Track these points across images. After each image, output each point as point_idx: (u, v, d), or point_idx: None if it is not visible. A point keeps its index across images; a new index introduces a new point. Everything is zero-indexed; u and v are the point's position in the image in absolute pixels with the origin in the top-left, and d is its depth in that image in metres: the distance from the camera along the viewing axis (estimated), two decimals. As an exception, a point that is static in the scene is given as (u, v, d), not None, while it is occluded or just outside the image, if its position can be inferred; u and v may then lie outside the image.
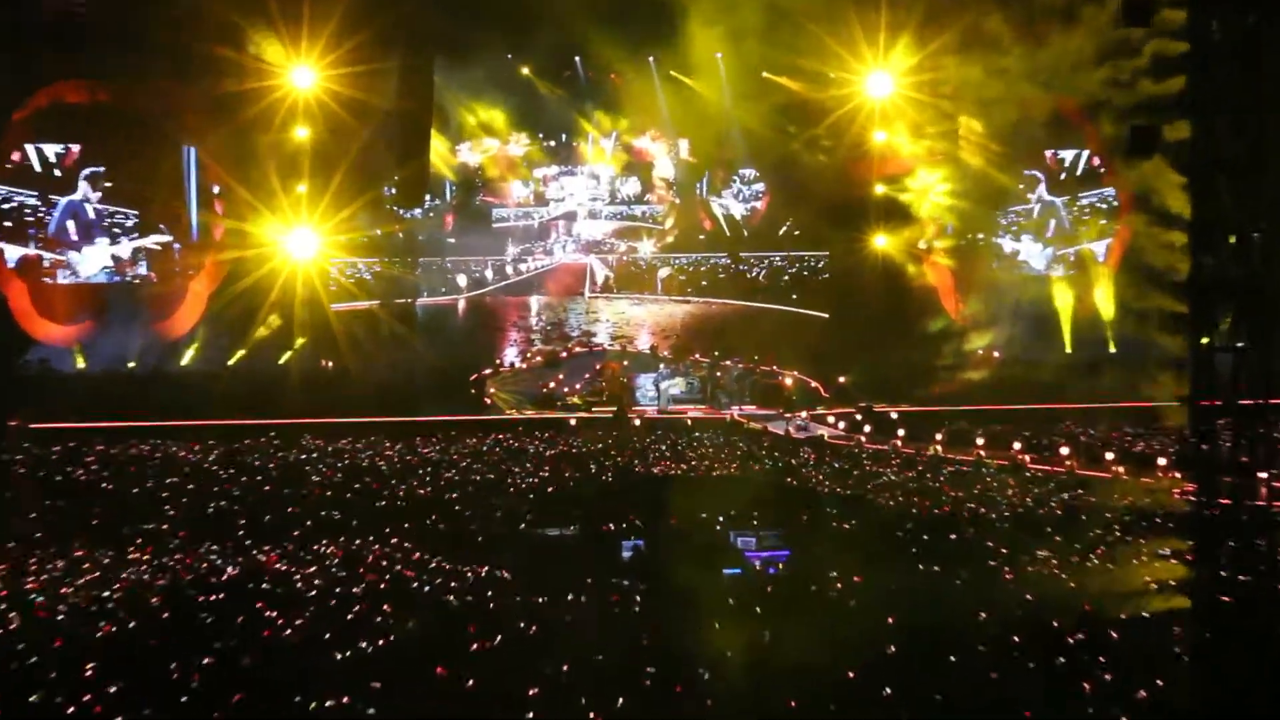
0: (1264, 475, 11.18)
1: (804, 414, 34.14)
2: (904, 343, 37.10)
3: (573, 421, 32.98)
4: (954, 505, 22.09)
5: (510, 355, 41.14)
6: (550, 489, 23.87)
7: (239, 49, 34.42)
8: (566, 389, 37.20)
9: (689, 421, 33.11)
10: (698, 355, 39.54)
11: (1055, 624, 14.47)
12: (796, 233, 44.42)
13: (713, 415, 34.67)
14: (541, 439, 30.28)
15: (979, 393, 34.41)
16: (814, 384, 37.71)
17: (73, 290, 35.99)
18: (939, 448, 28.70)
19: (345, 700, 12.15)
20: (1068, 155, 39.21)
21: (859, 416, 32.98)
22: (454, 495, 23.22)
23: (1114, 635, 14.08)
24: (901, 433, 30.15)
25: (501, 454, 27.97)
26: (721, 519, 20.72)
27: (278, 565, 17.23)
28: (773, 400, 36.05)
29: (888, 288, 38.81)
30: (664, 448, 28.81)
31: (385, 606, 15.51)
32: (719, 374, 37.54)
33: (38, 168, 35.36)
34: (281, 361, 36.32)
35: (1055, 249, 39.82)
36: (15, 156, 35.30)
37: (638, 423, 32.97)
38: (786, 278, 44.59)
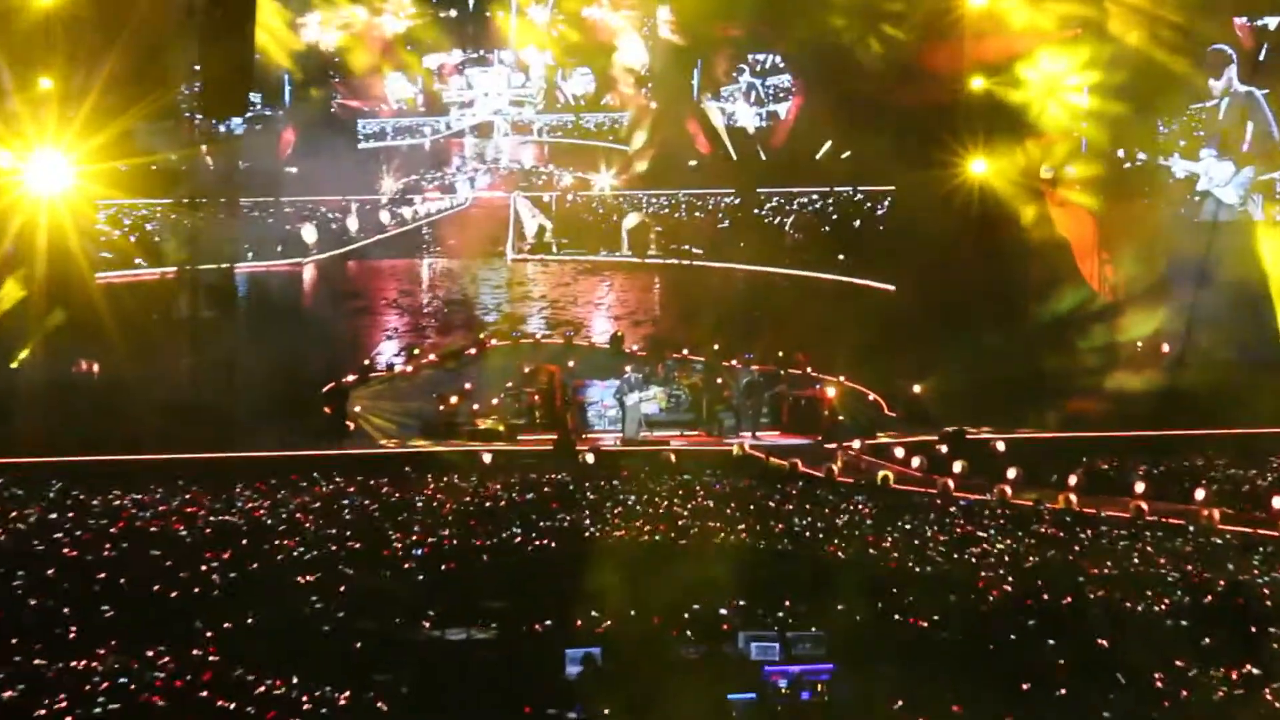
0: None
1: (856, 444, 34.46)
2: (1014, 331, 37.73)
3: (487, 458, 33.04)
4: (1098, 591, 21.89)
5: (387, 353, 41.51)
6: (451, 565, 23.62)
7: None
8: (477, 406, 37.49)
9: (671, 457, 33.12)
10: (686, 352, 39.99)
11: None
12: (844, 155, 44.63)
13: (710, 446, 35.11)
14: (438, 486, 30.34)
15: (1136, 411, 35.13)
16: (872, 397, 38.35)
17: None
18: (1072, 498, 28.67)
19: None
20: (1271, 22, 40.01)
21: (944, 447, 33.59)
22: (297, 578, 22.87)
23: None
24: (1012, 474, 30.52)
25: (374, 510, 27.86)
26: (726, 613, 20.40)
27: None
28: (806, 423, 36.64)
29: (989, 242, 39.22)
30: (633, 499, 28.70)
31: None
32: (719, 381, 37.77)
33: None
34: (14, 365, 36.74)
35: (1255, 170, 40.31)
36: None
37: (591, 459, 33.00)
38: (827, 228, 45.42)
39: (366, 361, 40.49)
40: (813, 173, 45.07)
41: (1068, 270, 39.51)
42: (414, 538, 25.30)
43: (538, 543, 25.00)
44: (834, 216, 45.45)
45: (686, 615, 20.00)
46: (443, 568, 23.32)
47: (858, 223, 44.91)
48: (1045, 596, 21.39)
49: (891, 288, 42.77)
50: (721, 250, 45.12)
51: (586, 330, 43.21)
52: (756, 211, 45.88)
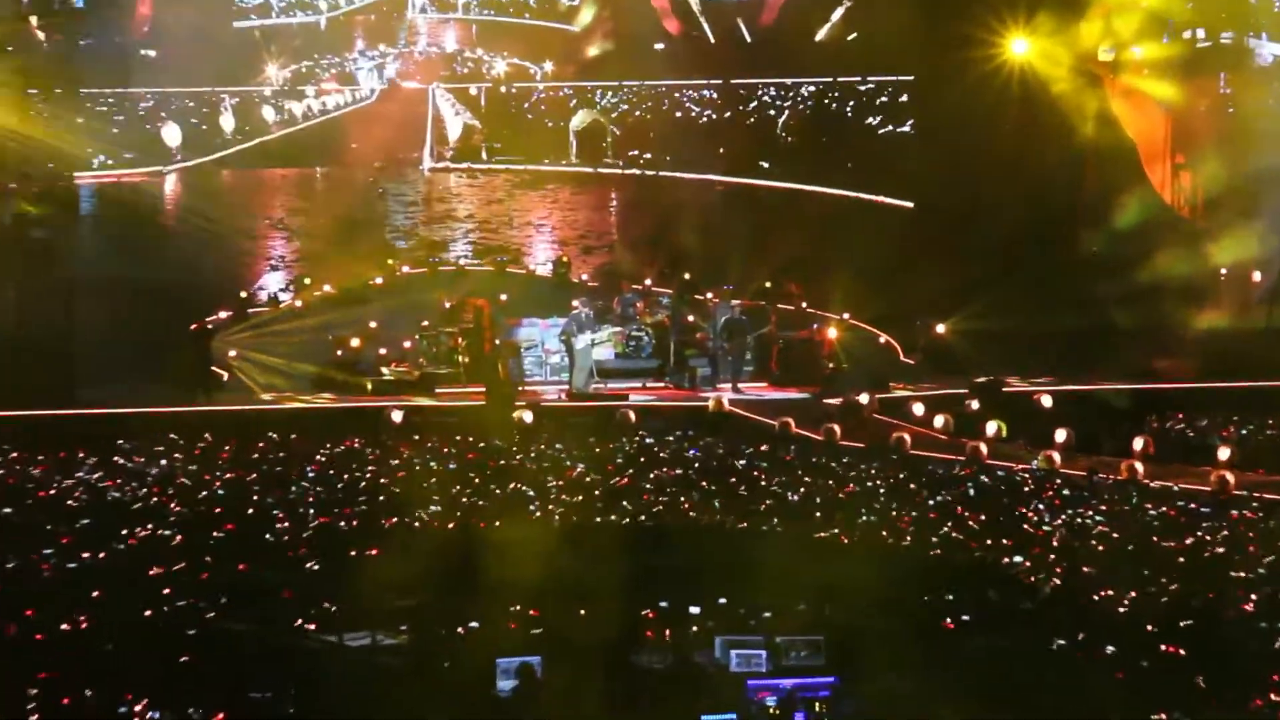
0: None
1: (864, 398, 34.10)
2: (1062, 256, 38.79)
3: (398, 416, 32.80)
4: (1174, 583, 21.51)
5: (270, 285, 42.01)
6: (351, 552, 23.29)
7: None
8: (384, 351, 38.00)
9: (630, 415, 32.86)
10: (649, 283, 40.72)
11: None
12: (850, 37, 45.25)
13: (679, 401, 35.45)
14: (336, 452, 30.01)
15: (1219, 358, 35.47)
16: (884, 339, 39.06)
17: None
18: (1137, 466, 28.42)
19: None
20: None
21: (973, 403, 33.67)
22: (153, 569, 22.24)
23: None
24: (1061, 437, 30.44)
25: (252, 483, 27.41)
26: (700, 613, 20.03)
27: None
28: (801, 372, 37.08)
29: (1031, 145, 39.49)
30: (582, 468, 28.20)
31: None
32: (691, 320, 38.33)
33: None
34: None
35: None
36: None
37: (528, 417, 32.60)
38: (829, 129, 46.24)
39: (244, 295, 40.46)
40: (811, 59, 45.29)
41: (1132, 179, 39.92)
42: (302, 517, 24.90)
43: (462, 524, 24.65)
44: (838, 115, 45.62)
45: (649, 614, 19.73)
46: (340, 555, 23.03)
47: (868, 121, 45.05)
48: (1113, 592, 21.21)
49: (909, 204, 43.11)
50: (695, 158, 45.27)
51: (524, 257, 43.26)
52: (740, 108, 45.97)
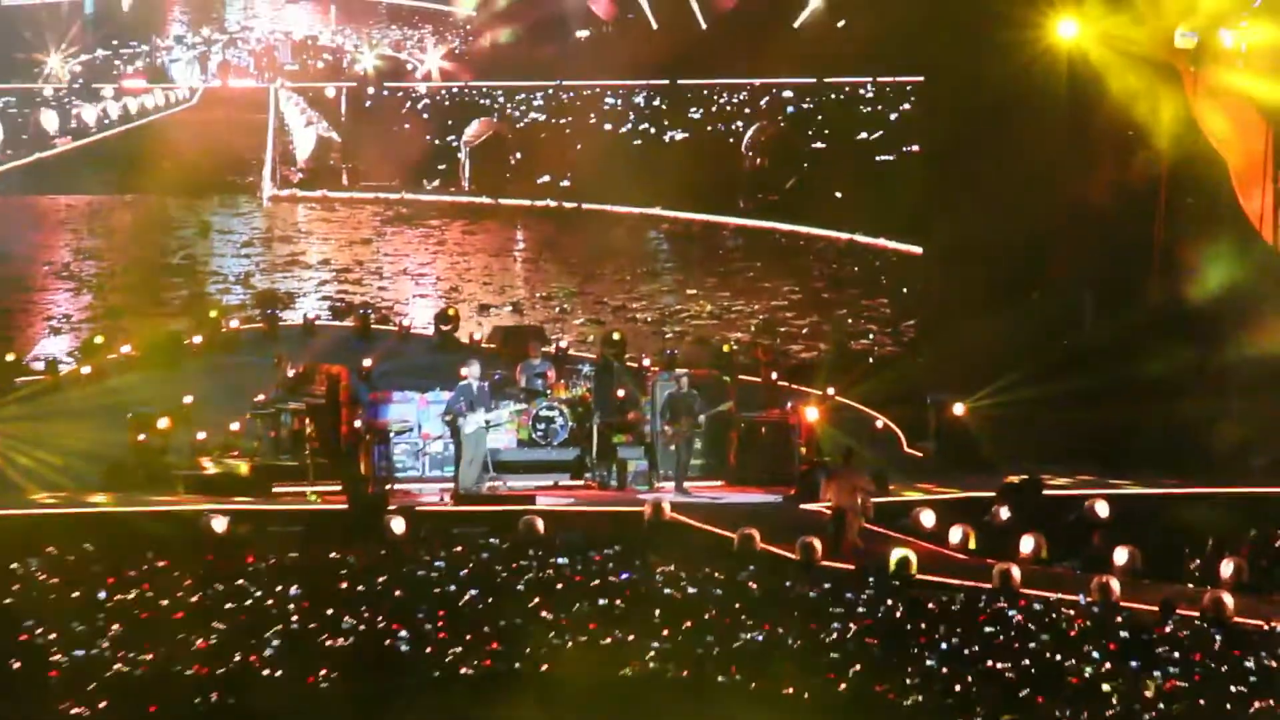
0: None
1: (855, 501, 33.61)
2: (1124, 314, 39.23)
3: (220, 524, 32.38)
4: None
5: (48, 348, 42.45)
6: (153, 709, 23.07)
7: None
8: (203, 436, 38.39)
9: (538, 524, 32.62)
10: (564, 345, 41.06)
11: None
12: (839, 23, 46.38)
13: (604, 505, 35.70)
14: (124, 571, 29.15)
15: None
16: (882, 423, 39.76)
17: None
18: (1225, 599, 28.08)
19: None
20: None
21: (1003, 510, 34.04)
22: None
23: None
24: (1123, 559, 30.65)
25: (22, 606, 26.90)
26: None
27: None
28: (770, 466, 37.67)
29: (1084, 162, 40.43)
30: (472, 595, 27.87)
31: None
32: (622, 394, 39.27)
33: None
34: None
35: None
36: None
37: (399, 526, 32.39)
38: (810, 148, 47.38)
39: (11, 358, 40.70)
40: (788, 53, 45.90)
41: (1219, 206, 40.01)
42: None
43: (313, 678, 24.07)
44: (823, 128, 46.57)
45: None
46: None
47: (863, 135, 45.69)
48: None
49: (917, 250, 43.43)
50: (628, 184, 45.73)
51: (397, 310, 43.52)
52: (692, 115, 46.96)
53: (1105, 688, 24.30)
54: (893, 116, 46.43)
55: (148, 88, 46.62)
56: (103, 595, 28.17)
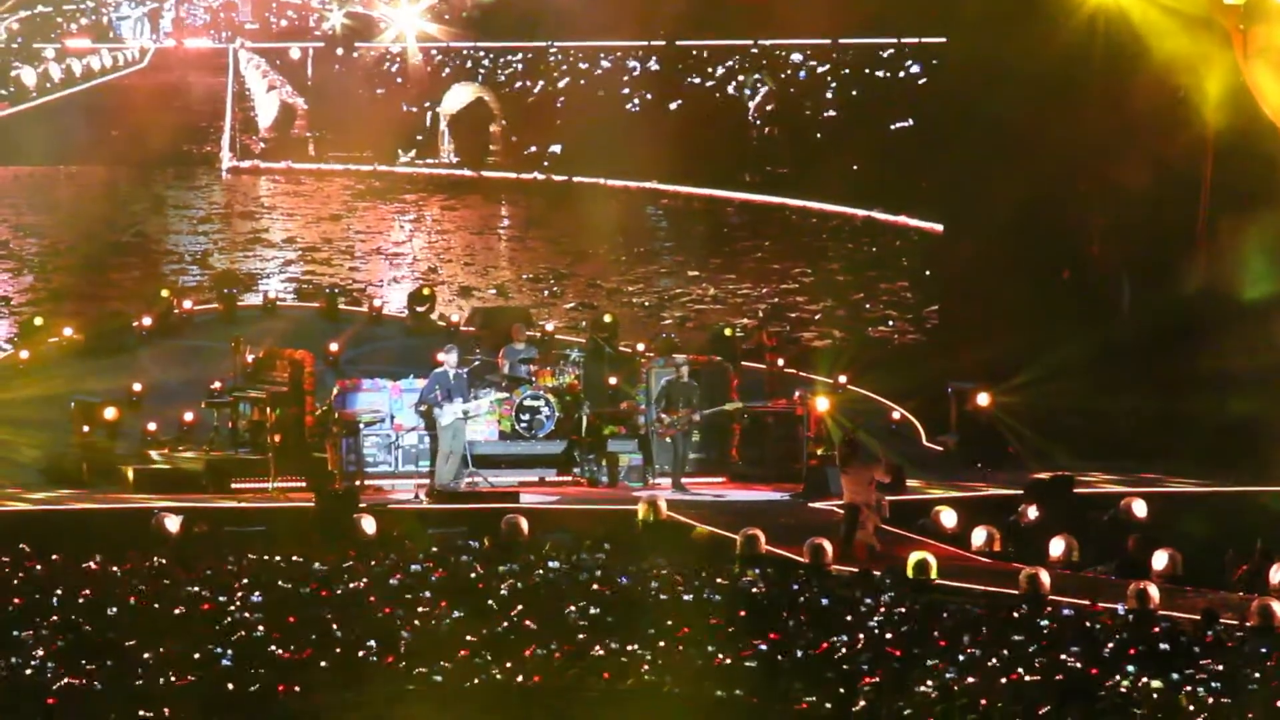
0: None
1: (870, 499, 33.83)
2: (1166, 299, 40.06)
3: (172, 523, 32.62)
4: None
5: None
6: None
7: None
8: (154, 426, 38.86)
9: (522, 524, 32.92)
10: (552, 329, 41.52)
11: None
12: None
13: (594, 503, 36.30)
14: (75, 576, 29.45)
15: None
16: (899, 414, 40.83)
17: None
18: (1275, 607, 27.90)
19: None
20: None
21: (1031, 510, 34.25)
22: None
23: None
24: (1162, 563, 30.75)
25: None
26: None
27: None
28: (776, 462, 38.41)
29: (1121, 133, 40.88)
30: (448, 603, 27.65)
31: None
32: (614, 383, 40.13)
33: None
34: None
35: None
36: None
37: (369, 526, 32.70)
38: (824, 117, 48.27)
39: None
40: (800, 11, 45.55)
41: (1272, 183, 39.48)
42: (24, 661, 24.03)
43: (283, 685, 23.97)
44: (838, 95, 46.76)
45: None
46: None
47: (880, 103, 46.15)
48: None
49: (938, 227, 43.73)
50: (624, 155, 45.91)
51: (368, 291, 43.68)
52: (691, 84, 46.97)
53: (1141, 705, 24.47)
54: (920, 79, 45.98)
55: (93, 48, 46.81)
56: (40, 599, 28.06)
